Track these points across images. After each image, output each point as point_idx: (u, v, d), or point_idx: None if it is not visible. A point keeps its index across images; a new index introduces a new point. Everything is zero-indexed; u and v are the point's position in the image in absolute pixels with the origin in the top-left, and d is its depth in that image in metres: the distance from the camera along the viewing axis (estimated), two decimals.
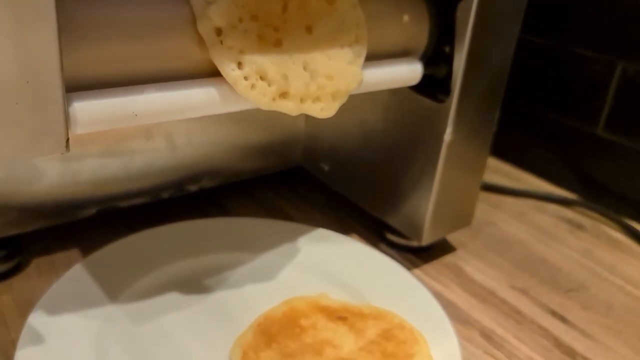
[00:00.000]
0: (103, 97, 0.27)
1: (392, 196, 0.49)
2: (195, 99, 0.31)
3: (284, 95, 0.34)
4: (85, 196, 0.45)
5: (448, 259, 0.52)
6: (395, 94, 0.47)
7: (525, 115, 0.71)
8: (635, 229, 0.59)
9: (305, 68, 0.34)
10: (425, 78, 0.43)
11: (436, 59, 0.43)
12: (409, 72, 0.41)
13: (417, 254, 0.52)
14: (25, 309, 0.39)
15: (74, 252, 0.46)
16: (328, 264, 0.45)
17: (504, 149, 0.73)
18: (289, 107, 0.34)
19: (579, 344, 0.43)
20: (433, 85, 0.43)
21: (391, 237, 0.52)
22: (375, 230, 0.54)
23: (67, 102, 0.26)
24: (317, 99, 0.35)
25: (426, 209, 0.46)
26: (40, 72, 0.23)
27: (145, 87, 0.29)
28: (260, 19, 0.32)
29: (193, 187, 0.51)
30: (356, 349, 0.37)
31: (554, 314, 0.46)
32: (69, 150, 0.25)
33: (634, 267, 0.54)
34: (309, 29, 0.34)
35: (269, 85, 0.33)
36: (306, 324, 0.39)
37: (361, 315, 0.40)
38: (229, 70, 0.31)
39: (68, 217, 0.45)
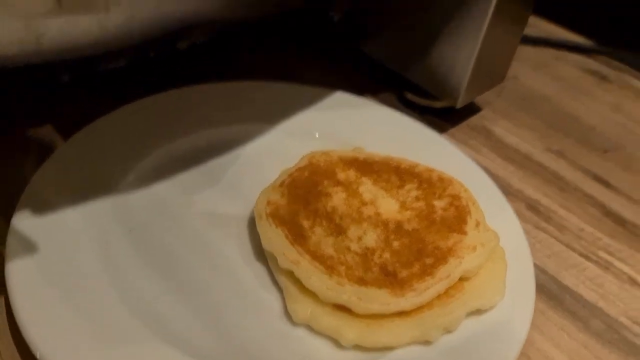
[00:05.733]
0: None
1: (422, 50, 0.42)
2: None
3: None
4: (54, 59, 0.36)
5: (474, 120, 0.46)
6: None
7: None
8: None
9: None
10: None
11: None
12: None
13: (439, 116, 0.46)
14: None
15: (47, 130, 0.38)
16: (353, 133, 0.39)
17: None
18: None
19: (627, 211, 0.40)
20: None
21: (412, 97, 0.46)
22: (393, 88, 0.47)
23: None
24: None
25: (467, 66, 0.39)
26: None
27: None
28: None
29: (183, 45, 0.42)
30: (400, 209, 0.32)
31: (596, 177, 0.42)
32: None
33: None
34: None
35: None
36: (340, 181, 0.33)
37: (410, 173, 0.34)
38: None
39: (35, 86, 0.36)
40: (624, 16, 0.59)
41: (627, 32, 0.59)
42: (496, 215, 0.33)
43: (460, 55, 0.39)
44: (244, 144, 0.38)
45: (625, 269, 0.35)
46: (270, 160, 0.36)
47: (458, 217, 0.31)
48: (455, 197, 0.33)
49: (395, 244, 0.30)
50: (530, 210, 0.38)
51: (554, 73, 0.55)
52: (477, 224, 0.31)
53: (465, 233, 0.30)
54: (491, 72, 0.43)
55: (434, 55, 0.41)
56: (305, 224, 0.31)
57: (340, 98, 0.41)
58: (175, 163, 0.35)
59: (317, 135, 0.39)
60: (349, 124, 0.40)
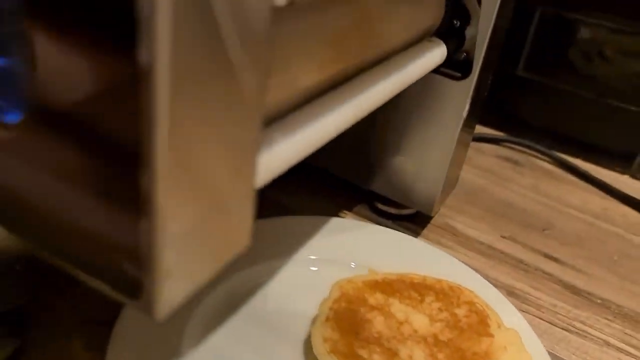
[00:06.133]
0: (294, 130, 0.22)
1: (392, 168, 0.49)
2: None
3: None
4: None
5: (437, 220, 0.54)
6: None
7: None
8: (561, 157, 0.67)
9: None
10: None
11: (450, 33, 0.42)
12: (438, 55, 0.40)
13: (410, 220, 0.53)
14: None
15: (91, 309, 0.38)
16: (362, 255, 0.44)
17: None
18: None
19: (578, 281, 0.49)
20: (449, 63, 0.43)
21: (383, 207, 0.52)
22: (365, 200, 0.53)
23: None
24: None
25: (440, 179, 0.47)
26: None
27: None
28: None
29: None
30: (431, 322, 0.37)
31: (546, 256, 0.51)
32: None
33: (575, 195, 0.61)
34: None
35: None
36: (373, 305, 0.38)
37: (424, 287, 0.40)
38: None
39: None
40: (523, 108, 0.71)
41: (529, 120, 0.71)
42: (500, 311, 0.40)
43: (431, 170, 0.47)
44: (270, 281, 0.41)
45: (596, 333, 0.44)
46: (299, 291, 0.41)
47: (480, 321, 0.38)
48: (471, 304, 0.39)
49: (440, 356, 0.35)
50: (511, 296, 0.46)
51: (478, 164, 0.65)
52: (499, 325, 0.37)
53: (492, 335, 0.37)
54: (452, 179, 0.51)
55: (405, 171, 0.48)
56: (363, 353, 0.35)
57: (340, 223, 0.46)
58: (220, 310, 0.38)
59: (331, 261, 0.43)
60: (358, 247, 0.45)
